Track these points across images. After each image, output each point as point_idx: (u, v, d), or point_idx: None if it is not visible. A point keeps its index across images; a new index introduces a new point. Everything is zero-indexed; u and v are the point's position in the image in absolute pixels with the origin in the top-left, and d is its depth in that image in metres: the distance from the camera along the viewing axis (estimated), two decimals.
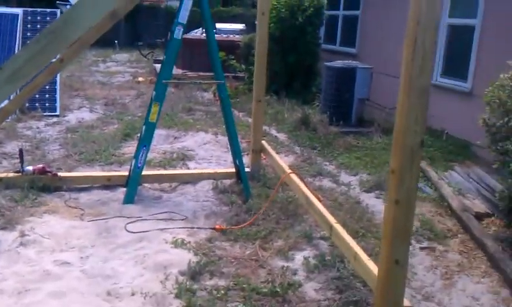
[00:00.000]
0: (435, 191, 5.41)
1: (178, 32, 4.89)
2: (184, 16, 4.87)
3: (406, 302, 2.73)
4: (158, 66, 9.50)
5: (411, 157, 2.46)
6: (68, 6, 7.46)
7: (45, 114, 8.01)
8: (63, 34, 2.41)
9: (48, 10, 9.21)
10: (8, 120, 7.15)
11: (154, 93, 5.09)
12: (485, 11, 7.01)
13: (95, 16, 2.50)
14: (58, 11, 9.24)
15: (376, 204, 5.14)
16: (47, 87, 8.27)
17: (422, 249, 4.28)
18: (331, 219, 3.72)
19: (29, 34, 8.61)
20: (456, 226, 4.68)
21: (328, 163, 6.53)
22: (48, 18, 8.94)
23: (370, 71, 8.17)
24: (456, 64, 7.65)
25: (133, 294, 3.30)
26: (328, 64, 8.30)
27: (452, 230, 4.60)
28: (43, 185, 4.94)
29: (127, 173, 5.13)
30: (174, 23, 4.87)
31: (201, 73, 11.47)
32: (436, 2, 2.30)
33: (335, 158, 6.68)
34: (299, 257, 3.93)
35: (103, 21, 5.24)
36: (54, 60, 5.69)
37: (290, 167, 5.38)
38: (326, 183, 5.76)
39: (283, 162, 5.45)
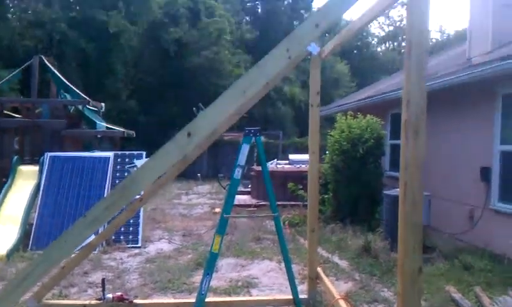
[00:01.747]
0: None
1: (238, 173, 5.61)
2: (242, 160, 5.62)
3: None
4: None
5: (413, 282, 2.88)
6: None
7: (128, 245, 8.94)
8: (130, 190, 3.20)
9: (135, 152, 10.52)
10: (95, 252, 8.11)
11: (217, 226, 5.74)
12: None
13: (153, 177, 3.27)
14: (144, 154, 10.48)
15: None
16: (132, 221, 9.28)
17: None
18: None
19: (118, 174, 9.85)
20: None
21: (386, 289, 6.76)
22: (135, 159, 10.21)
23: (428, 198, 8.49)
24: None
25: None
26: (387, 192, 8.74)
27: None
28: None
29: (194, 300, 5.69)
30: (234, 165, 5.63)
31: None
32: (419, 149, 2.84)
33: (393, 285, 6.88)
34: None
35: (177, 165, 6.13)
36: (137, 197, 6.63)
37: (341, 293, 5.72)
38: None
39: (336, 288, 5.81)
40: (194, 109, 5.43)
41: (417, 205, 2.88)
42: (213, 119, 3.38)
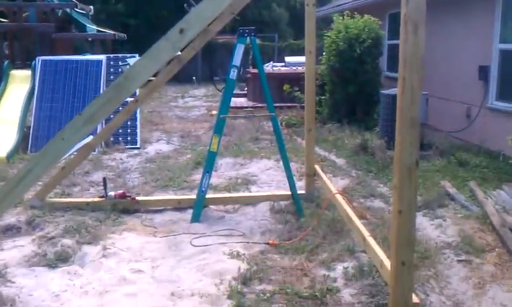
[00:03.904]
0: (481, 209, 5.67)
1: (233, 74, 5.54)
2: (237, 60, 5.52)
3: (414, 298, 3.15)
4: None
5: (409, 174, 2.92)
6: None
7: (127, 147, 9.00)
8: (124, 87, 3.15)
9: (127, 55, 10.34)
10: (95, 153, 8.17)
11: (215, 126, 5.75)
12: None
13: (147, 74, 3.22)
14: (137, 55, 10.32)
15: (421, 222, 5.46)
16: (129, 123, 9.28)
17: (459, 261, 4.59)
18: (365, 232, 4.18)
19: (112, 76, 9.74)
20: (495, 241, 4.94)
21: (382, 185, 6.90)
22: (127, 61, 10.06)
23: (426, 96, 8.46)
24: (510, 87, 7.82)
25: (192, 295, 3.92)
26: (384, 91, 8.72)
27: (491, 244, 4.86)
28: (123, 207, 5.74)
29: (195, 197, 5.81)
30: (229, 65, 5.54)
31: None
32: (419, 44, 2.78)
33: (390, 181, 7.02)
34: (339, 267, 4.39)
35: (171, 66, 6.03)
36: (131, 100, 6.60)
37: (338, 188, 5.84)
38: (377, 203, 6.16)
39: (334, 184, 5.93)
40: (185, 5, 5.21)
41: (415, 100, 2.86)
42: (205, 15, 3.26)
